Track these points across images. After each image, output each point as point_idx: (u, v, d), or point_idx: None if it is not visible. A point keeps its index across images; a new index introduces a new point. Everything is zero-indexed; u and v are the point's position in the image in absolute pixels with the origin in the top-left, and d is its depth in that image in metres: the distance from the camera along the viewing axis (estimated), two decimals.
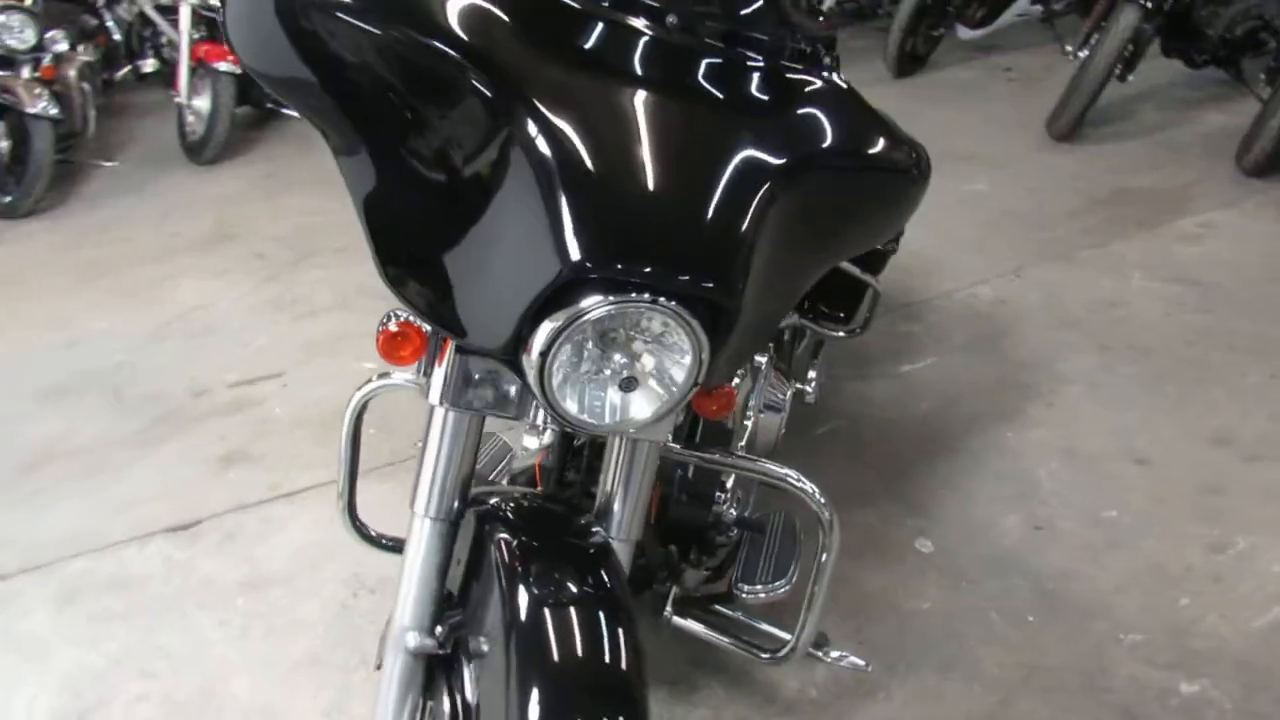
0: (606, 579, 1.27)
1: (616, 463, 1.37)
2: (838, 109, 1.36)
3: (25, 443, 2.91)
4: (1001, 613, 2.03)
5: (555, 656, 1.15)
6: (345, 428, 1.51)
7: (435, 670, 1.34)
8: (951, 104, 5.02)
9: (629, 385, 1.14)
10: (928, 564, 2.17)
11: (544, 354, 1.04)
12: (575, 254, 1.02)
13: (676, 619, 1.81)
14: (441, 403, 1.25)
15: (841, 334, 2.49)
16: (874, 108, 1.43)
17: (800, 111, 1.35)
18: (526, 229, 1.07)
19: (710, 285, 1.07)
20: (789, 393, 2.12)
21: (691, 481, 1.87)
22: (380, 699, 1.31)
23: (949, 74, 5.53)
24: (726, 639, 1.76)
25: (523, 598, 1.18)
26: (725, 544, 1.88)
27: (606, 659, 1.16)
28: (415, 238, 1.18)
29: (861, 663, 1.86)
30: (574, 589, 1.21)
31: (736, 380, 1.78)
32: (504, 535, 1.27)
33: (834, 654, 1.83)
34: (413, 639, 1.29)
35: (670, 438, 1.43)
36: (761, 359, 2.05)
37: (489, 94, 1.10)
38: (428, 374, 1.27)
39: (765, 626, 1.86)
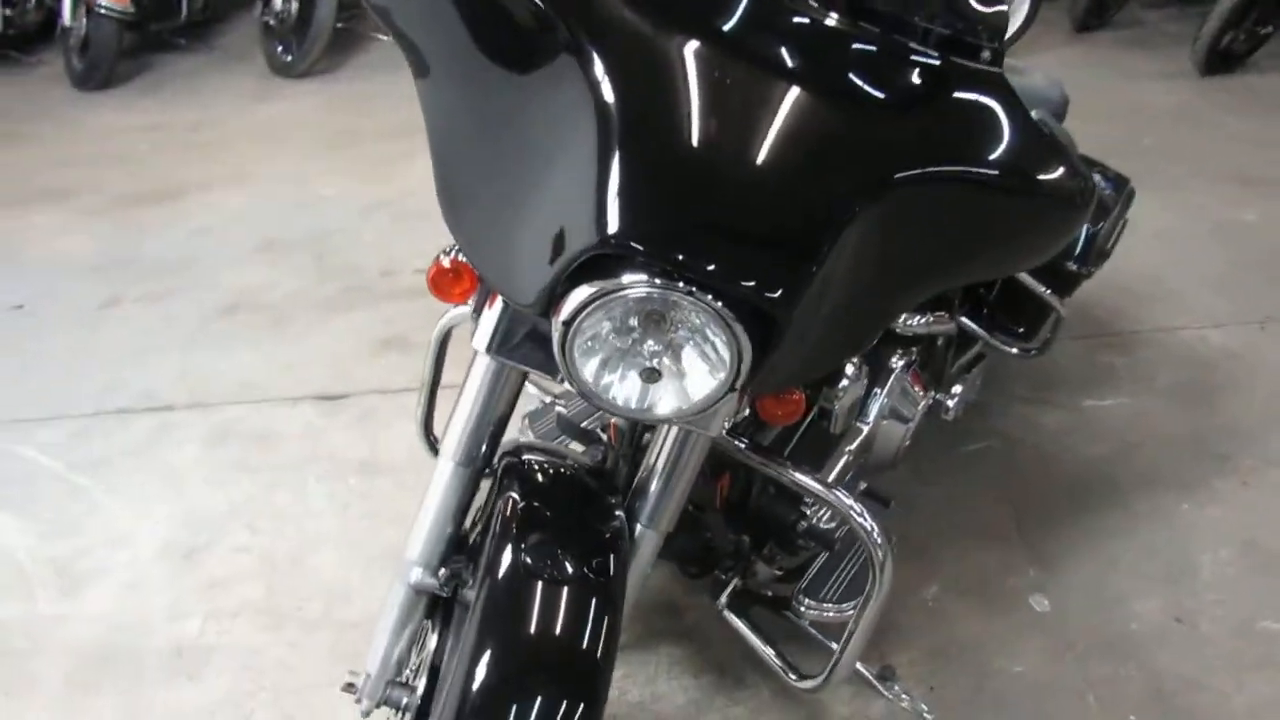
0: (608, 564, 1.22)
1: (659, 448, 1.31)
2: (991, 115, 1.20)
3: (230, 287, 3.19)
4: (1101, 701, 1.81)
5: (516, 627, 1.13)
6: (431, 349, 1.53)
7: (435, 609, 1.36)
8: (1258, 116, 4.36)
9: (650, 376, 1.06)
10: (1037, 624, 1.96)
11: (568, 322, 0.98)
12: (617, 224, 0.95)
13: (728, 611, 1.74)
14: (487, 350, 1.22)
15: (1015, 351, 2.27)
16: (1041, 119, 1.25)
17: (943, 112, 1.20)
18: (579, 185, 1.00)
19: (765, 294, 0.97)
20: (923, 403, 1.95)
21: (801, 460, 1.78)
22: (379, 623, 1.34)
23: (1268, 81, 4.80)
24: (769, 648, 1.67)
25: (507, 560, 1.17)
26: (805, 549, 1.78)
27: (570, 642, 1.13)
28: (473, 173, 1.14)
29: (924, 709, 1.73)
30: (565, 566, 1.18)
31: (846, 381, 1.65)
32: (516, 494, 1.25)
33: (897, 690, 1.71)
34: (415, 574, 1.31)
35: (725, 429, 1.34)
36: (897, 361, 1.90)
37: (567, 31, 1.03)
38: (477, 316, 1.24)
39: (824, 641, 1.76)
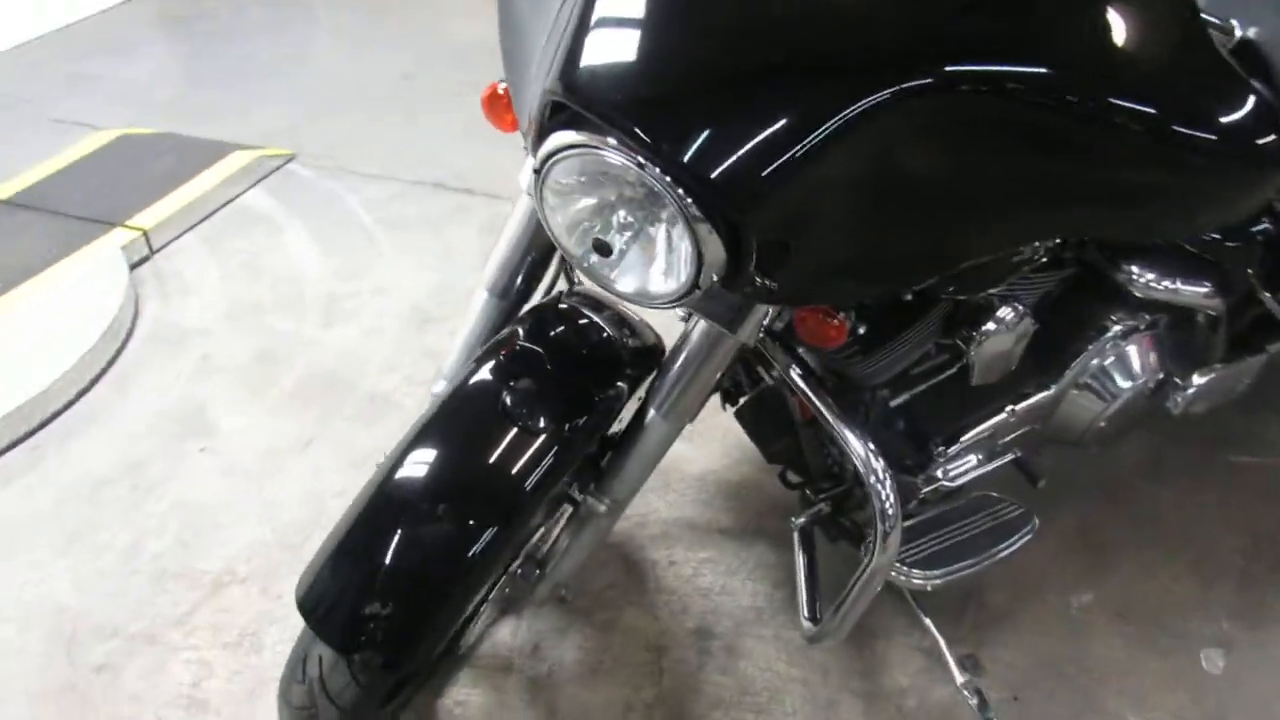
0: (580, 425, 1.20)
1: (686, 339, 1.23)
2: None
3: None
4: None
5: (459, 445, 1.17)
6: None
7: None
8: None
9: (602, 248, 1.00)
10: (1195, 681, 1.60)
11: (537, 170, 0.96)
12: (557, 75, 0.91)
13: (797, 533, 1.62)
14: (526, 189, 1.21)
15: None
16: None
17: None
18: (564, 22, 0.95)
19: (720, 186, 0.86)
20: (1143, 383, 1.60)
21: (920, 411, 1.58)
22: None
23: None
24: (803, 581, 1.54)
25: (475, 381, 1.20)
26: (918, 499, 1.59)
27: (495, 474, 1.15)
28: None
29: (992, 717, 1.53)
30: (525, 411, 1.18)
31: (993, 326, 1.39)
32: (521, 331, 1.26)
33: (967, 682, 1.52)
34: (438, 386, 1.38)
35: (757, 339, 1.21)
36: (1115, 323, 1.56)
37: None
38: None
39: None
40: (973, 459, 1.61)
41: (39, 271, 2.68)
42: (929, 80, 0.88)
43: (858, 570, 1.31)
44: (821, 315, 1.19)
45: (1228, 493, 1.89)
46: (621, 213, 0.99)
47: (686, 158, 0.87)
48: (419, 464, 1.16)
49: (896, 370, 1.46)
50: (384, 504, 1.14)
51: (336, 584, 1.12)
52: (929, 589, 1.52)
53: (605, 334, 1.32)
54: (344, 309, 2.54)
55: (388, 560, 1.12)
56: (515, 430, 1.18)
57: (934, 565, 1.52)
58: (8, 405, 2.23)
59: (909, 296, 1.36)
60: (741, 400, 1.69)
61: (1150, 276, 1.54)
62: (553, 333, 1.29)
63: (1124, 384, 1.62)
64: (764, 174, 0.87)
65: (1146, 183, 1.02)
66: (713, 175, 0.87)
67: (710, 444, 2.06)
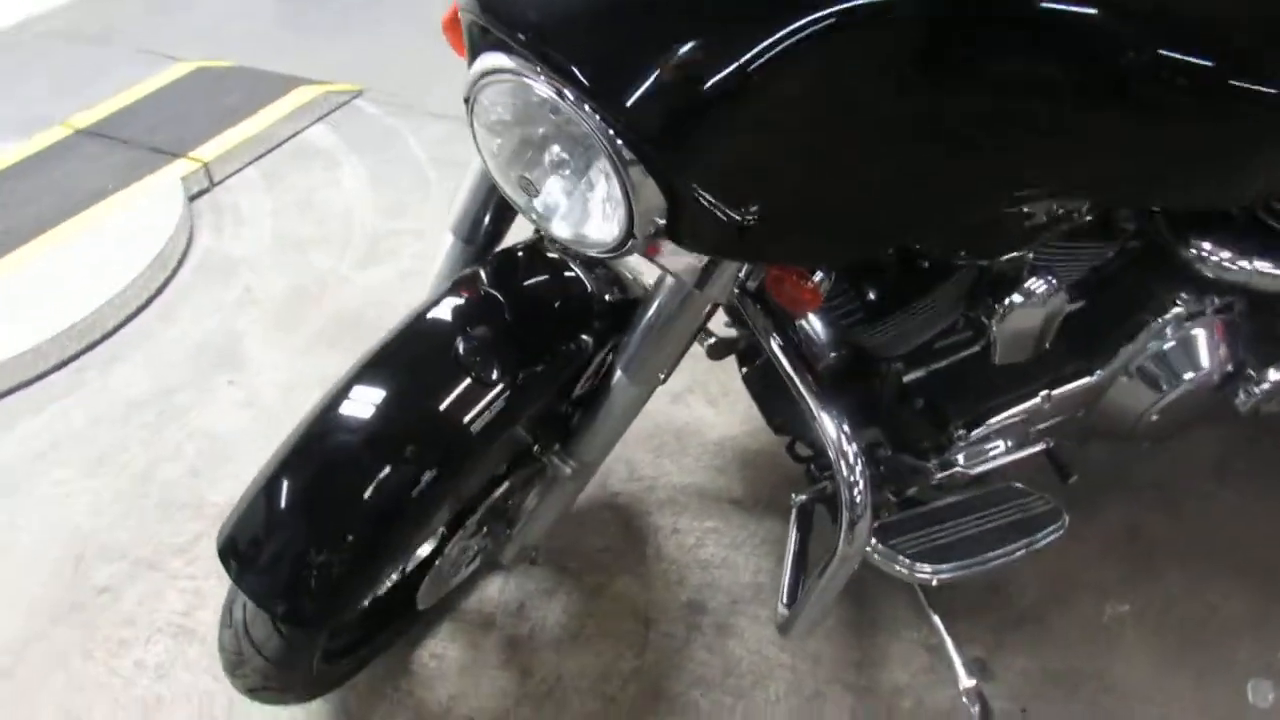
0: (532, 371, 1.12)
1: (654, 297, 1.13)
2: None
3: None
4: None
5: (390, 381, 1.11)
6: None
7: None
8: None
9: (525, 185, 0.92)
10: (1235, 712, 1.43)
11: (466, 98, 0.90)
12: None
13: (796, 510, 1.50)
14: None
15: None
16: None
17: None
18: None
19: (636, 121, 0.77)
20: (1213, 375, 1.43)
21: (940, 390, 1.44)
22: None
23: None
24: (789, 563, 1.43)
25: (427, 319, 1.13)
26: (931, 483, 1.47)
27: (434, 417, 1.09)
28: None
29: None
30: (477, 357, 1.10)
31: (1019, 299, 1.24)
32: (485, 273, 1.18)
33: (971, 689, 1.40)
34: None
35: (731, 297, 1.10)
36: (1178, 306, 1.39)
37: None
38: None
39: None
40: (999, 445, 1.47)
41: (103, 199, 2.73)
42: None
43: (823, 560, 1.20)
44: (795, 276, 1.07)
45: None
46: (555, 148, 0.91)
47: (611, 89, 0.78)
48: (354, 403, 1.09)
49: (912, 342, 1.33)
50: (312, 444, 1.09)
51: (255, 530, 1.07)
52: (934, 584, 1.40)
53: (577, 283, 1.23)
54: (384, 248, 2.51)
55: (311, 506, 1.07)
56: (461, 374, 1.11)
57: (944, 558, 1.39)
58: (58, 326, 2.28)
59: (925, 263, 1.23)
60: (749, 365, 1.59)
61: (1224, 254, 1.35)
62: (518, 278, 1.21)
63: (1185, 374, 1.44)
64: (699, 106, 0.77)
65: (1185, 138, 0.87)
66: (638, 108, 0.77)
67: (734, 409, 1.95)
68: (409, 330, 1.16)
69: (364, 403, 1.10)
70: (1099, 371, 1.44)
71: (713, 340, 1.49)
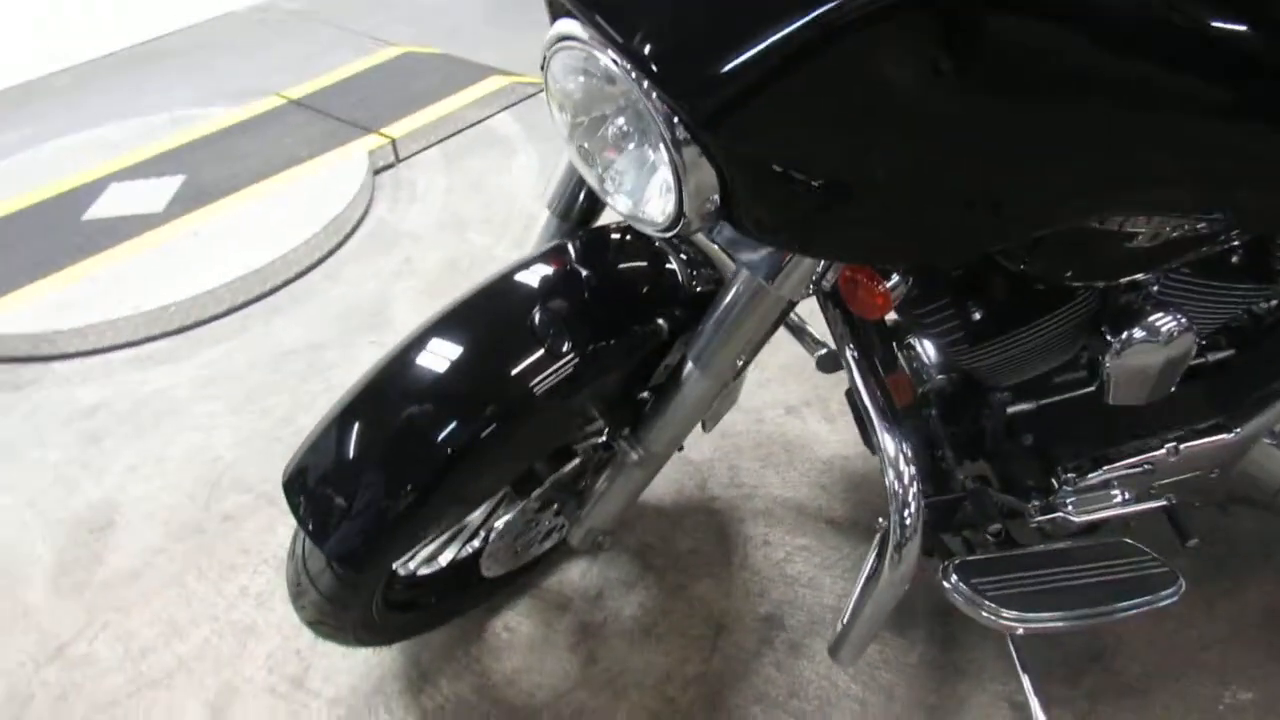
0: (600, 345, 1.11)
1: (729, 290, 1.11)
2: None
3: None
4: None
5: (458, 337, 1.15)
6: None
7: None
8: None
9: (585, 156, 0.92)
10: None
11: (542, 65, 0.93)
12: None
13: (880, 529, 1.42)
14: None
15: None
16: None
17: None
18: None
19: (683, 93, 0.76)
20: None
21: (1051, 427, 1.34)
22: None
23: None
24: (860, 584, 1.34)
25: (507, 281, 1.17)
26: (1030, 525, 1.36)
27: (494, 375, 1.11)
28: None
29: None
30: (563, 339, 1.11)
31: (1137, 335, 1.13)
32: (571, 252, 1.20)
33: None
34: None
35: (802, 295, 1.06)
36: None
37: None
38: None
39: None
40: (1113, 496, 1.34)
41: (298, 164, 2.94)
42: None
43: (861, 582, 1.13)
44: (866, 279, 1.01)
45: None
46: (620, 121, 0.90)
47: (667, 66, 0.77)
48: (425, 353, 1.12)
49: (1024, 373, 1.23)
50: (378, 390, 1.13)
51: (316, 467, 1.12)
52: (1019, 632, 1.29)
53: (664, 267, 1.22)
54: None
55: (369, 449, 1.10)
56: (533, 341, 1.12)
57: (1033, 607, 1.28)
58: (238, 273, 2.47)
59: (1040, 286, 1.14)
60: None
61: None
62: (604, 256, 1.21)
63: None
64: (750, 91, 0.75)
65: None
66: (692, 88, 0.76)
67: (851, 428, 1.87)
68: (490, 290, 1.18)
69: (434, 354, 1.12)
70: (1239, 429, 1.29)
71: (823, 351, 1.43)
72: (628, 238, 1.24)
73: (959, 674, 1.46)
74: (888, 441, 1.06)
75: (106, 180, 2.95)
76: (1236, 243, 1.08)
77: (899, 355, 1.31)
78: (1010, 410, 1.31)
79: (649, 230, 0.91)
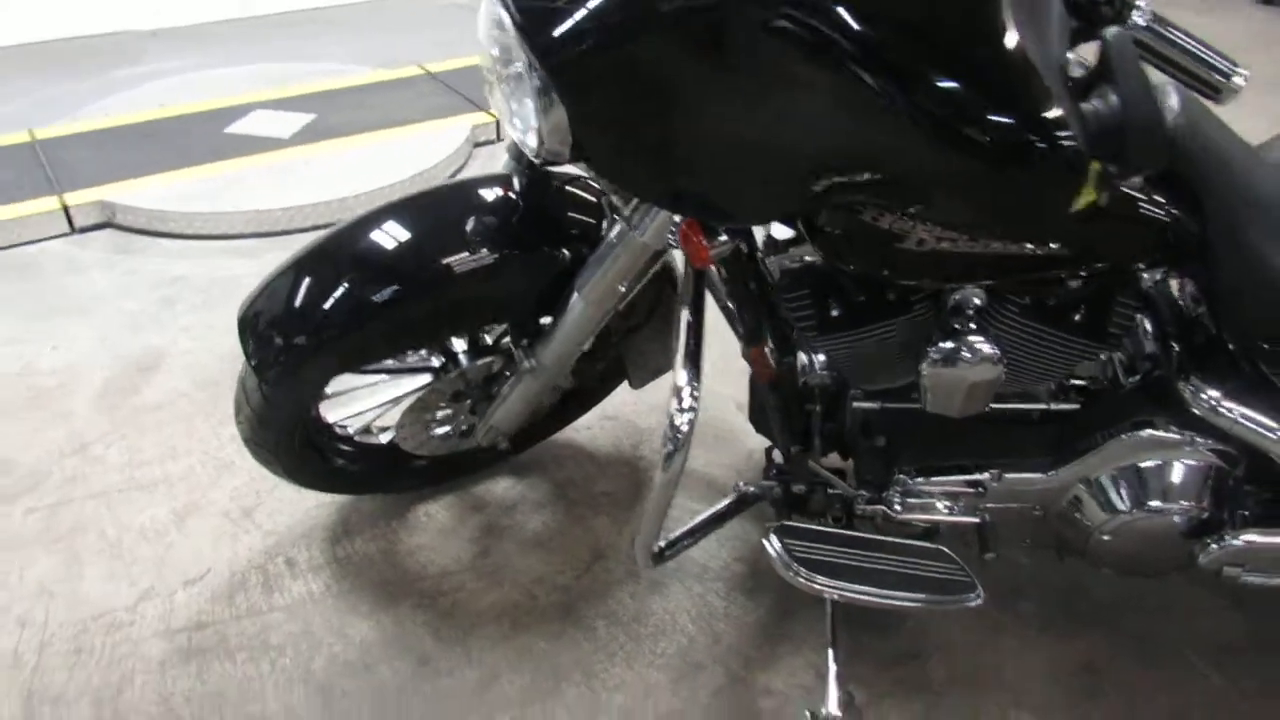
0: (512, 253, 1.40)
1: (607, 231, 1.35)
2: None
3: None
4: None
5: (397, 220, 1.44)
6: None
7: None
8: None
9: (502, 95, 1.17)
10: None
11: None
12: None
13: (741, 488, 1.61)
14: None
15: None
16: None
17: None
18: None
19: (531, 31, 1.02)
20: (1178, 517, 1.38)
21: (898, 429, 1.50)
22: None
23: None
24: (696, 522, 1.54)
25: (465, 190, 1.50)
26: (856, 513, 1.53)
27: (430, 258, 1.40)
28: None
29: None
30: (478, 237, 1.40)
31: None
32: (524, 177, 1.45)
33: (826, 715, 1.44)
34: None
35: (662, 244, 1.29)
36: (1163, 429, 1.36)
37: None
38: None
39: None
40: (939, 507, 1.48)
41: (413, 124, 3.32)
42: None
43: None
44: (694, 232, 1.22)
45: None
46: (516, 66, 1.14)
47: (532, 24, 1.01)
48: (370, 230, 1.41)
49: (872, 374, 1.41)
50: (322, 252, 1.42)
51: (261, 305, 1.42)
52: (825, 596, 1.45)
53: (587, 211, 1.46)
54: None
55: (304, 297, 1.39)
56: (460, 239, 1.39)
57: (838, 577, 1.44)
58: (324, 198, 2.84)
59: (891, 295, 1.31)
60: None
61: (1216, 395, 1.31)
62: (539, 191, 1.45)
63: (1149, 501, 1.39)
64: (592, 54, 1.00)
65: (941, 162, 0.96)
66: (548, 44, 1.00)
67: None
68: (438, 192, 1.46)
69: (379, 230, 1.40)
70: (1056, 470, 1.42)
71: None
72: (567, 186, 1.49)
73: (784, 639, 1.62)
74: (680, 373, 1.26)
75: (252, 106, 3.40)
76: (1073, 296, 1.25)
77: (767, 334, 1.49)
78: (859, 406, 1.48)
79: (530, 155, 1.15)
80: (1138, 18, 1.14)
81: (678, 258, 1.42)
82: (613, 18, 0.98)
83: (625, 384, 1.79)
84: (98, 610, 1.66)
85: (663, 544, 1.50)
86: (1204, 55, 1.18)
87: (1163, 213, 1.17)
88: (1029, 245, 1.14)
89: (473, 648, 1.60)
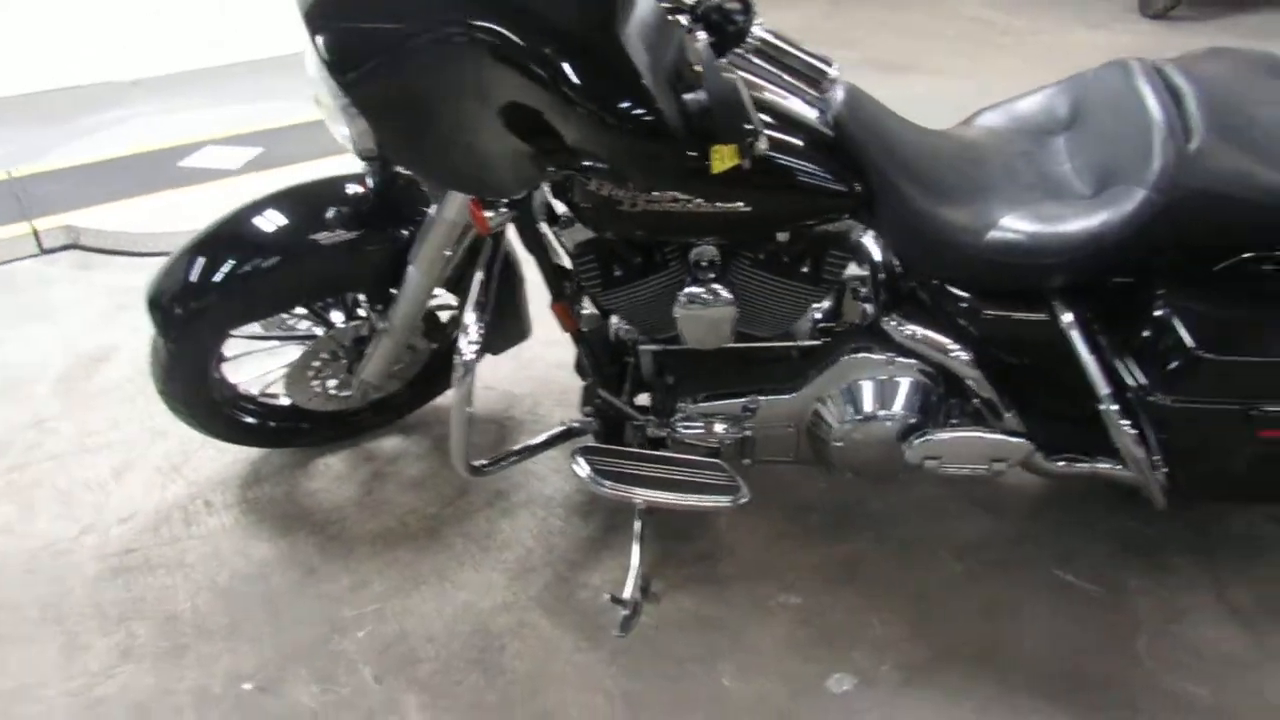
0: (372, 236, 1.86)
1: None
2: None
3: None
4: None
5: (278, 209, 1.86)
6: None
7: None
8: None
9: (320, 100, 1.56)
10: (819, 703, 1.68)
11: None
12: None
13: (568, 423, 1.97)
14: None
15: None
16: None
17: None
18: None
19: (322, 48, 1.40)
20: (889, 422, 1.74)
21: (682, 369, 1.87)
22: None
23: None
24: (523, 444, 1.92)
25: (333, 186, 1.92)
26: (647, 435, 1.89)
27: (296, 235, 1.84)
28: None
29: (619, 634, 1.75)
30: (338, 224, 1.80)
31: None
32: (379, 175, 1.85)
33: (628, 603, 1.79)
34: None
35: (460, 221, 1.69)
36: (876, 352, 1.74)
37: None
38: None
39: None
40: (715, 429, 1.84)
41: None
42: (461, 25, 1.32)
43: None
44: (475, 207, 1.60)
45: (1034, 600, 1.86)
46: (330, 90, 1.51)
47: (324, 42, 1.38)
48: (255, 214, 1.82)
49: (652, 322, 1.78)
50: (212, 236, 1.81)
51: (165, 283, 1.80)
52: (618, 500, 1.80)
53: (424, 194, 1.85)
54: None
55: (199, 270, 1.77)
56: (320, 222, 1.77)
57: (632, 484, 1.80)
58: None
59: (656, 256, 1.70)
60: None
61: (909, 328, 1.69)
62: (392, 186, 1.84)
63: (865, 411, 1.75)
64: (372, 73, 1.37)
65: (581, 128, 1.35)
66: (336, 61, 1.37)
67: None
68: (309, 186, 1.84)
69: (259, 216, 1.80)
70: (797, 391, 1.79)
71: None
72: (414, 182, 1.87)
73: (606, 548, 1.98)
74: (469, 314, 1.64)
75: (205, 143, 3.82)
76: (793, 250, 1.64)
77: (567, 289, 1.85)
78: (646, 349, 1.85)
79: (354, 153, 1.53)
80: (757, 31, 1.53)
81: (515, 241, 1.81)
82: (386, 56, 1.35)
83: (499, 357, 2.15)
84: (46, 542, 2.02)
85: (485, 460, 1.87)
86: (806, 57, 1.57)
87: (828, 177, 1.55)
88: (719, 204, 1.53)
89: (350, 561, 1.96)
